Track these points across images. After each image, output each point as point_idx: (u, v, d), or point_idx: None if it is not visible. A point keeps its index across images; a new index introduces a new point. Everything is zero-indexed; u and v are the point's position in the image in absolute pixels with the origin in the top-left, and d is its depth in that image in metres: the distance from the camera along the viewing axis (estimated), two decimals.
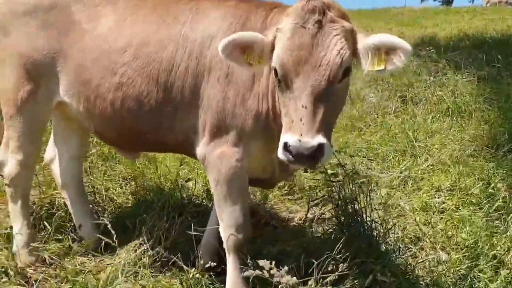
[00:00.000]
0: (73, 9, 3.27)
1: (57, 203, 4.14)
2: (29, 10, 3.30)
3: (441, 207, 4.38)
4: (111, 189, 4.49)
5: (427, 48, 8.50)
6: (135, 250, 3.63)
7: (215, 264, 3.47)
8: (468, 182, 4.61)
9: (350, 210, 3.47)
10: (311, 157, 2.33)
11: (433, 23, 21.60)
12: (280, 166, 3.11)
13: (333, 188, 3.80)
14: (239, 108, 2.94)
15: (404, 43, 2.42)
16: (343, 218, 3.52)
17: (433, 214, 4.28)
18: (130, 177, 4.83)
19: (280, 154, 2.41)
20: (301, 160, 2.36)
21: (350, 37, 2.49)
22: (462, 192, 4.48)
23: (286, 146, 2.36)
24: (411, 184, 4.81)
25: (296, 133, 2.33)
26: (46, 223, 3.94)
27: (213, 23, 3.02)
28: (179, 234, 3.65)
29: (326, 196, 3.88)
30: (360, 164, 5.13)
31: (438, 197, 4.49)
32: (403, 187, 4.76)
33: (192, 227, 3.23)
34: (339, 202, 3.58)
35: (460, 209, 4.24)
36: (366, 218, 3.43)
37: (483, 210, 4.18)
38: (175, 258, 3.29)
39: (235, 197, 3.08)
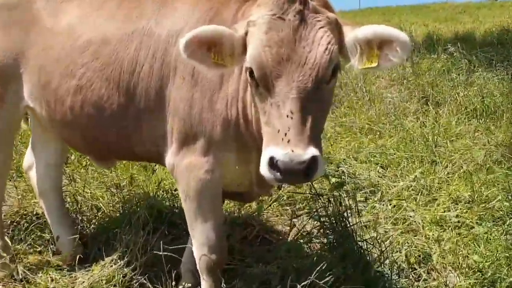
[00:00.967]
0: (36, 6, 3.03)
1: (37, 212, 3.92)
2: None
3: (457, 221, 3.90)
4: (100, 198, 4.24)
5: (448, 44, 7.87)
6: (111, 266, 3.37)
7: (189, 285, 3.17)
8: (490, 193, 4.11)
9: (339, 228, 3.06)
10: (304, 173, 1.96)
11: (474, 19, 20.70)
12: (258, 179, 2.75)
13: (318, 203, 3.38)
14: (207, 112, 2.60)
15: (401, 34, 2.03)
16: (331, 236, 3.12)
17: (448, 229, 3.82)
18: (123, 184, 4.58)
19: (265, 171, 2.02)
20: (291, 178, 1.99)
21: (336, 29, 2.12)
22: (482, 205, 3.99)
23: (272, 162, 1.98)
24: (426, 194, 4.34)
25: (284, 145, 1.96)
26: (24, 234, 3.75)
27: (179, 17, 2.70)
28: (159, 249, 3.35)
29: (309, 212, 3.46)
30: (369, 171, 4.69)
31: (455, 210, 4.01)
32: (417, 197, 4.29)
33: (161, 245, 2.91)
34: (327, 218, 3.17)
35: (478, 224, 3.75)
36: (356, 237, 3.01)
37: (504, 226, 3.68)
38: (143, 279, 3.02)
39: (206, 213, 2.75)
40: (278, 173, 1.98)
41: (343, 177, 4.59)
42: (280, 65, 2.01)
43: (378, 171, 4.78)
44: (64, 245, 3.58)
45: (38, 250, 3.69)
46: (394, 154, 5.09)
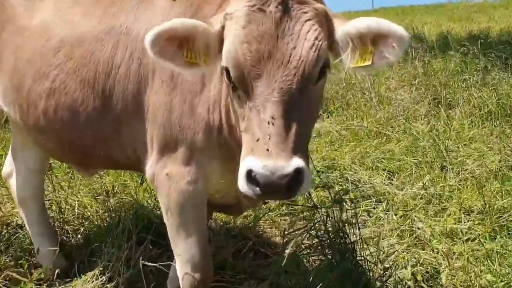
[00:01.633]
0: (10, 3, 2.82)
1: (18, 222, 3.71)
2: None
3: (469, 233, 3.60)
4: (88, 206, 4.01)
5: (462, 44, 7.53)
6: (92, 282, 3.14)
7: None
8: (505, 203, 3.80)
9: (338, 245, 2.78)
10: (287, 188, 1.69)
11: (489, 18, 20.25)
12: None
13: (316, 215, 3.10)
14: (187, 118, 2.36)
15: (397, 28, 1.77)
16: (330, 254, 2.84)
17: (459, 242, 3.52)
18: (114, 191, 4.35)
19: (242, 185, 1.76)
20: (272, 193, 1.73)
21: (325, 23, 1.86)
22: (497, 216, 3.68)
23: (250, 175, 1.72)
24: (436, 203, 4.03)
25: (264, 156, 1.69)
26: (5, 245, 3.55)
27: (158, 13, 2.46)
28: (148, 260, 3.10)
29: (306, 226, 3.18)
30: (375, 178, 4.40)
31: (466, 222, 3.70)
32: (425, 207, 3.99)
33: (141, 261, 2.67)
34: (325, 233, 2.89)
35: (491, 238, 3.45)
36: (356, 254, 2.74)
37: None
38: None
39: (189, 227, 2.51)
40: (257, 188, 1.72)
41: (346, 184, 4.32)
42: (260, 63, 1.75)
43: (384, 178, 4.48)
44: (44, 258, 3.36)
45: (19, 262, 3.47)
46: (402, 159, 4.79)
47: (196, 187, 2.43)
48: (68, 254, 3.52)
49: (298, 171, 1.70)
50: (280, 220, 3.90)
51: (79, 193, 4.18)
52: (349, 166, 4.72)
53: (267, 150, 1.71)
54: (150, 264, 2.71)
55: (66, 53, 2.57)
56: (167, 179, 2.47)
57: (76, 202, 3.98)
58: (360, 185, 4.36)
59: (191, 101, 2.34)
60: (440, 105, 5.99)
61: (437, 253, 3.41)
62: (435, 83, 6.54)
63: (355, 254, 2.77)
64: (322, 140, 5.45)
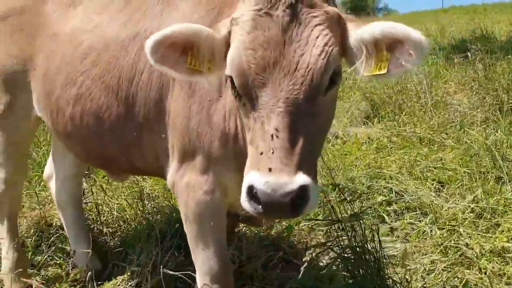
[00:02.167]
0: (44, 11, 2.89)
1: (58, 223, 3.82)
2: (2, 16, 2.98)
3: None
4: (127, 209, 4.06)
5: None
6: (122, 286, 3.17)
7: None
8: None
9: (362, 263, 2.61)
10: (291, 206, 1.58)
11: None
12: None
13: (338, 232, 2.92)
14: (205, 126, 2.30)
15: (415, 33, 1.61)
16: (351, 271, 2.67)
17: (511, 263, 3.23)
18: (154, 194, 4.40)
19: (244, 202, 1.66)
20: (274, 212, 1.62)
21: (337, 28, 1.74)
22: None
23: (251, 191, 1.62)
24: (489, 218, 3.73)
25: (266, 171, 1.59)
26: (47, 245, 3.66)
27: (180, 18, 2.41)
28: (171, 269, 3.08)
29: (326, 242, 3.00)
30: (423, 189, 4.14)
31: None
32: (476, 221, 3.69)
33: (161, 269, 2.64)
34: (349, 250, 2.72)
35: None
36: (382, 272, 2.55)
37: None
38: None
39: (208, 238, 2.44)
40: (259, 206, 1.61)
41: (390, 195, 4.10)
42: (265, 71, 1.65)
43: (433, 189, 4.21)
44: (80, 260, 3.44)
45: (57, 262, 3.57)
46: (454, 169, 4.48)
47: (214, 197, 2.37)
48: (104, 257, 3.57)
49: (302, 189, 1.58)
50: (318, 230, 3.75)
51: (121, 196, 4.25)
52: (396, 176, 4.48)
53: (271, 165, 1.60)
54: (171, 272, 2.67)
55: (93, 60, 2.59)
56: (185, 188, 2.42)
57: (116, 205, 4.05)
58: (405, 196, 4.12)
59: (208, 108, 2.28)
60: (500, 111, 5.58)
61: (485, 273, 3.14)
62: (497, 87, 6.09)
63: (381, 272, 2.59)
64: (368, 147, 5.22)
